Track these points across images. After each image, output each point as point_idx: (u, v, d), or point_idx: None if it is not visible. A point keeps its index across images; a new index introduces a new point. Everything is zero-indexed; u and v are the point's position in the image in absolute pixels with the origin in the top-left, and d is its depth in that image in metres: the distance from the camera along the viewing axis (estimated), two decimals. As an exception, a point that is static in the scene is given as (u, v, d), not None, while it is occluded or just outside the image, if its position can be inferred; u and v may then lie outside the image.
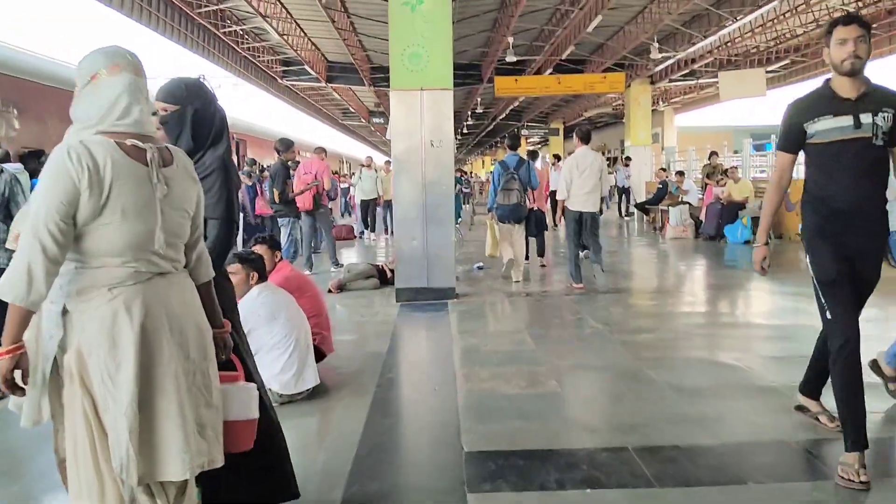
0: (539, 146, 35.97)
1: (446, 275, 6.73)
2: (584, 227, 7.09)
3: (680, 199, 13.02)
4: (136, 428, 1.58)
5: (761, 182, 12.42)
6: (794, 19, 13.58)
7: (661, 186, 14.32)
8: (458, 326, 5.58)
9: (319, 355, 4.00)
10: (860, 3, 12.70)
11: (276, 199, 7.96)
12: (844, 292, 2.61)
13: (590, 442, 3.05)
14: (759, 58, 17.32)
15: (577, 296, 6.75)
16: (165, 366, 1.65)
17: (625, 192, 18.08)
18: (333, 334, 4.42)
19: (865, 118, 2.56)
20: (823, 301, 2.65)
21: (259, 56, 16.85)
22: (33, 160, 6.58)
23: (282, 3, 12.78)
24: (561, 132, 29.96)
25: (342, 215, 18.83)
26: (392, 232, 8.59)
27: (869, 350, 2.91)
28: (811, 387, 3.15)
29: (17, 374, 1.58)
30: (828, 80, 2.71)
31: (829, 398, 2.92)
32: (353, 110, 26.79)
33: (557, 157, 14.94)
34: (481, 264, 8.80)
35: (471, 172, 42.33)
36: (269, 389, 3.48)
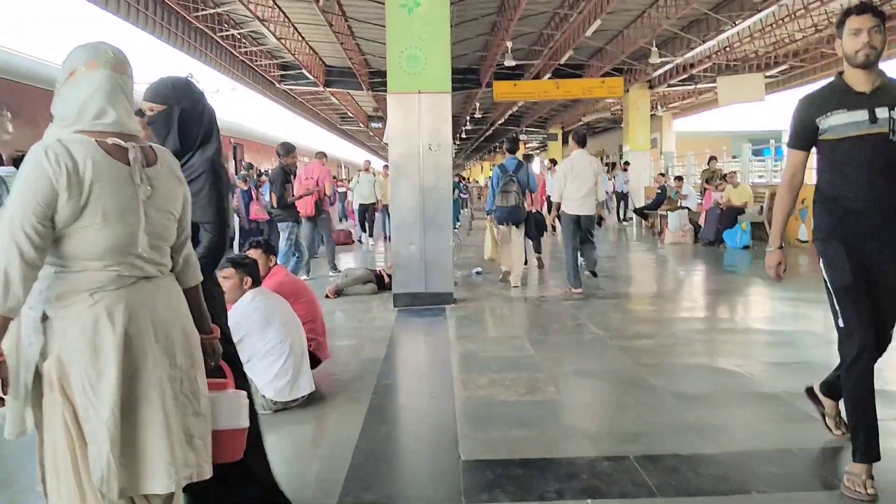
0: (537, 151, 35.97)
1: (444, 280, 6.68)
2: (582, 230, 7.08)
3: (679, 204, 12.99)
4: (117, 438, 1.51)
5: (760, 187, 12.40)
6: (792, 24, 13.57)
7: (659, 191, 14.30)
8: (456, 332, 5.52)
9: (315, 361, 3.93)
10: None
11: (275, 204, 7.88)
12: (859, 298, 2.48)
13: (590, 450, 2.98)
14: (758, 63, 17.33)
15: (576, 301, 6.70)
16: (150, 373, 1.59)
17: (623, 197, 18.06)
18: (329, 340, 4.35)
19: (881, 112, 2.42)
20: (837, 307, 2.52)
21: (257, 60, 16.83)
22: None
23: (279, 7, 12.76)
24: (560, 137, 29.99)
25: (340, 220, 18.78)
26: (389, 237, 8.53)
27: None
28: (833, 388, 2.97)
29: None
30: (840, 73, 2.57)
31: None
32: (351, 115, 26.81)
33: (554, 162, 14.92)
34: (480, 269, 8.75)
35: (469, 178, 42.32)
36: (263, 396, 3.42)
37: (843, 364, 2.50)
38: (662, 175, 15.92)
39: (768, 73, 17.39)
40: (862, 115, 2.44)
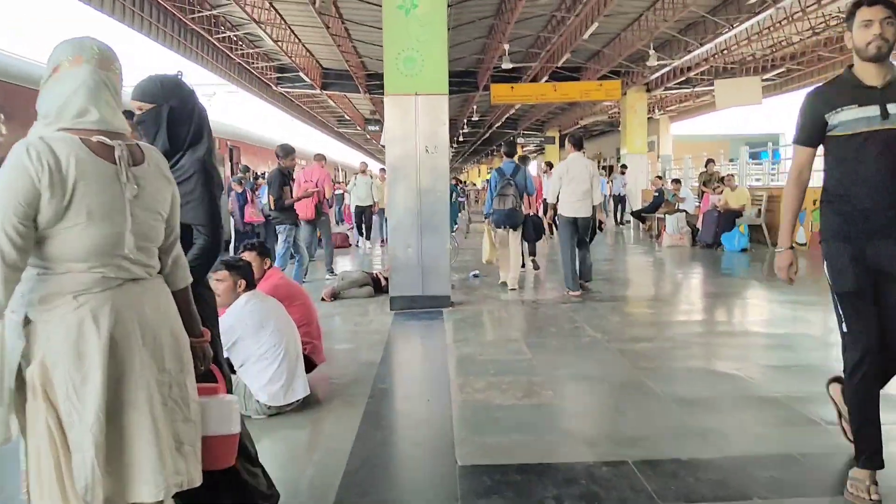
0: (534, 154, 35.99)
1: (441, 283, 6.63)
2: (579, 233, 7.10)
3: (676, 207, 12.97)
4: (102, 445, 1.47)
5: (758, 190, 12.39)
6: (789, 27, 13.58)
7: (657, 194, 14.28)
8: (453, 335, 5.47)
9: (310, 365, 3.89)
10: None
11: (272, 206, 7.81)
12: (863, 303, 2.41)
13: (589, 455, 2.94)
14: (755, 66, 17.34)
15: (574, 304, 6.66)
16: (137, 377, 1.54)
17: (621, 200, 18.04)
18: (325, 343, 4.31)
19: (893, 108, 2.33)
20: (840, 311, 2.46)
21: (253, 62, 16.79)
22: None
23: (276, 9, 12.72)
24: (557, 140, 29.98)
25: (337, 223, 18.72)
26: (386, 240, 8.48)
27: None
28: None
29: None
30: (850, 67, 2.46)
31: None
32: (348, 118, 26.77)
33: (550, 165, 14.91)
34: (477, 272, 8.71)
35: (466, 181, 42.32)
36: (257, 401, 3.38)
37: (846, 369, 2.45)
38: (660, 178, 15.91)
39: (765, 77, 17.42)
40: (874, 110, 2.35)
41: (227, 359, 3.28)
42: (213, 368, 1.94)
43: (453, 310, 6.48)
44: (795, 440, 3.07)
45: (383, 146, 7.70)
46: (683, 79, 18.10)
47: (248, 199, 10.11)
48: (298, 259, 7.73)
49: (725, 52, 15.78)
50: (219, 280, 3.35)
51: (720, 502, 2.51)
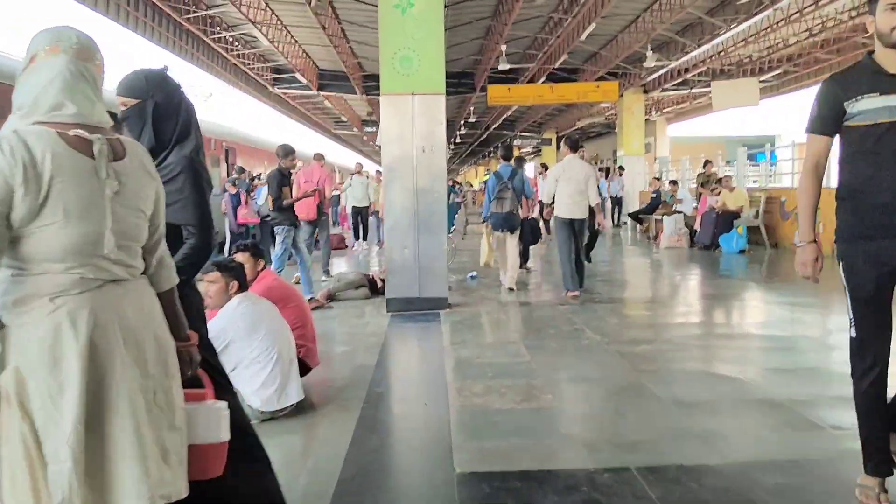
0: (531, 156, 35.96)
1: (438, 284, 6.56)
2: (576, 238, 7.09)
3: (674, 209, 12.94)
4: (80, 458, 1.39)
5: (755, 192, 12.37)
6: (786, 28, 13.55)
7: (654, 196, 14.25)
8: (451, 338, 5.40)
9: (304, 369, 3.81)
10: (853, 13, 12.69)
11: (270, 206, 7.70)
12: (880, 311, 2.29)
13: (590, 461, 2.87)
14: (752, 67, 17.33)
15: (572, 305, 6.60)
16: (119, 384, 1.46)
17: (618, 202, 18.01)
18: (320, 346, 4.23)
19: None
20: (852, 315, 2.34)
21: (249, 63, 16.71)
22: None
23: (272, 10, 12.65)
24: (554, 142, 29.94)
25: (333, 225, 18.64)
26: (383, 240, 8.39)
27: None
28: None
29: None
30: (870, 54, 2.31)
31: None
32: (345, 119, 26.70)
33: (545, 167, 14.88)
34: (474, 274, 8.65)
35: (465, 182, 42.28)
36: (250, 406, 3.30)
37: (854, 373, 2.37)
38: (657, 179, 15.88)
39: (762, 78, 17.40)
40: None
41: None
42: (201, 373, 1.86)
43: (450, 312, 6.41)
44: (800, 445, 3.01)
45: (379, 147, 7.63)
46: (680, 80, 18.08)
47: (243, 200, 10.02)
48: (301, 262, 7.49)
49: (722, 53, 15.76)
50: (210, 282, 3.28)
51: (725, 510, 2.45)
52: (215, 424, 1.81)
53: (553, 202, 7.17)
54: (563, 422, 3.49)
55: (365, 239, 13.35)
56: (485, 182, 9.82)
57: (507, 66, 14.56)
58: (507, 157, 8.03)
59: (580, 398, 3.98)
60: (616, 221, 18.04)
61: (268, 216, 8.51)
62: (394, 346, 5.38)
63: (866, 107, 2.24)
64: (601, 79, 17.45)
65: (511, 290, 7.50)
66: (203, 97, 23.39)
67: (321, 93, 19.13)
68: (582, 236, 7.24)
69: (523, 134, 31.87)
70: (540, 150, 33.00)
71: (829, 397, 3.69)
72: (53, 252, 1.42)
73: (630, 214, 16.03)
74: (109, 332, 1.45)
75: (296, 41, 15.11)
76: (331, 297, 7.07)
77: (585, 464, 2.84)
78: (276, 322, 3.50)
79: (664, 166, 20.55)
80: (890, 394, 2.37)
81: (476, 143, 37.13)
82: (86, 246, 1.44)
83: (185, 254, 2.02)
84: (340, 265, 10.39)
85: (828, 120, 2.36)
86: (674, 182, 14.48)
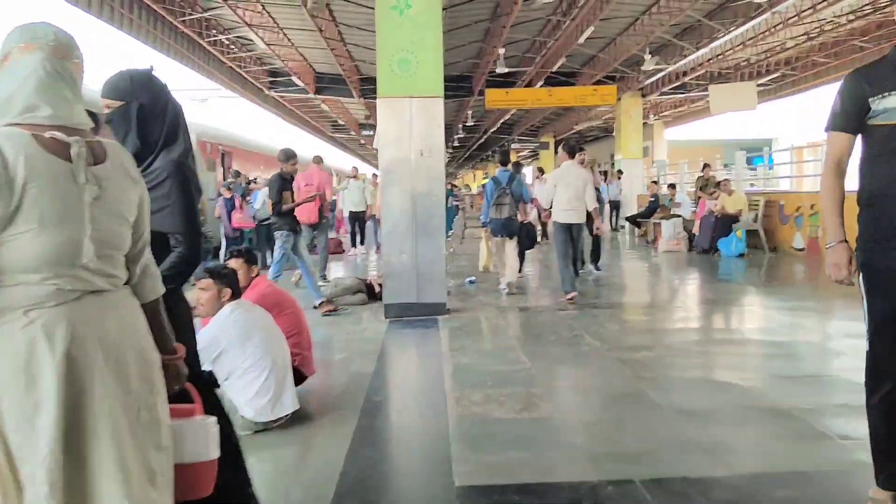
0: (528, 160, 35.90)
1: (437, 290, 6.48)
2: (574, 242, 7.13)
3: (672, 213, 12.89)
4: (57, 482, 1.30)
5: (754, 195, 12.32)
6: (784, 32, 13.53)
7: (652, 199, 14.19)
8: (449, 344, 5.32)
9: (300, 377, 3.72)
10: (851, 17, 12.67)
11: (270, 211, 7.58)
12: None
13: (592, 474, 2.79)
14: (750, 71, 17.31)
15: (572, 311, 6.52)
16: (99, 402, 1.37)
17: (615, 205, 17.95)
18: (316, 354, 4.13)
19: None
20: (868, 328, 2.22)
21: (245, 66, 16.61)
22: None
23: (268, 13, 12.57)
24: (551, 146, 29.87)
25: (330, 228, 18.55)
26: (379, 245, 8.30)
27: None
28: None
29: None
30: None
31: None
32: (342, 123, 26.61)
33: (541, 171, 14.86)
34: (473, 278, 8.58)
35: (463, 185, 42.21)
36: (243, 416, 3.21)
37: (867, 385, 2.29)
38: (655, 183, 15.82)
39: (760, 82, 17.36)
40: None
41: (211, 371, 3.12)
42: (189, 387, 1.78)
43: (449, 317, 6.33)
44: (808, 456, 2.93)
45: (377, 150, 7.53)
46: (678, 84, 18.04)
47: (237, 204, 9.93)
48: (304, 268, 7.34)
49: (721, 56, 15.72)
50: (202, 289, 3.19)
51: (733, 524, 2.37)
52: (203, 441, 1.73)
53: (551, 207, 7.19)
54: (564, 432, 3.40)
55: (362, 244, 13.26)
56: (483, 186, 9.79)
57: (506, 70, 14.51)
58: (504, 163, 8.09)
59: (581, 407, 3.90)
60: (614, 225, 17.98)
61: (265, 220, 8.40)
62: (392, 353, 5.30)
63: (892, 104, 2.11)
64: (599, 82, 17.40)
65: (510, 294, 7.46)
66: (199, 101, 23.21)
67: (318, 96, 19.04)
68: (579, 241, 7.23)
69: (521, 138, 31.80)
70: (537, 154, 32.94)
71: (835, 405, 3.62)
72: (28, 262, 1.34)
73: (628, 218, 15.97)
74: (88, 346, 1.37)
75: (292, 44, 15.01)
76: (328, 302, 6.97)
77: (588, 476, 2.76)
78: (271, 330, 3.41)
79: (662, 170, 20.51)
80: None
81: (474, 147, 37.06)
82: (63, 255, 1.36)
83: (172, 263, 1.94)
84: (337, 270, 10.30)
85: (851, 116, 2.21)
86: (672, 186, 14.42)
